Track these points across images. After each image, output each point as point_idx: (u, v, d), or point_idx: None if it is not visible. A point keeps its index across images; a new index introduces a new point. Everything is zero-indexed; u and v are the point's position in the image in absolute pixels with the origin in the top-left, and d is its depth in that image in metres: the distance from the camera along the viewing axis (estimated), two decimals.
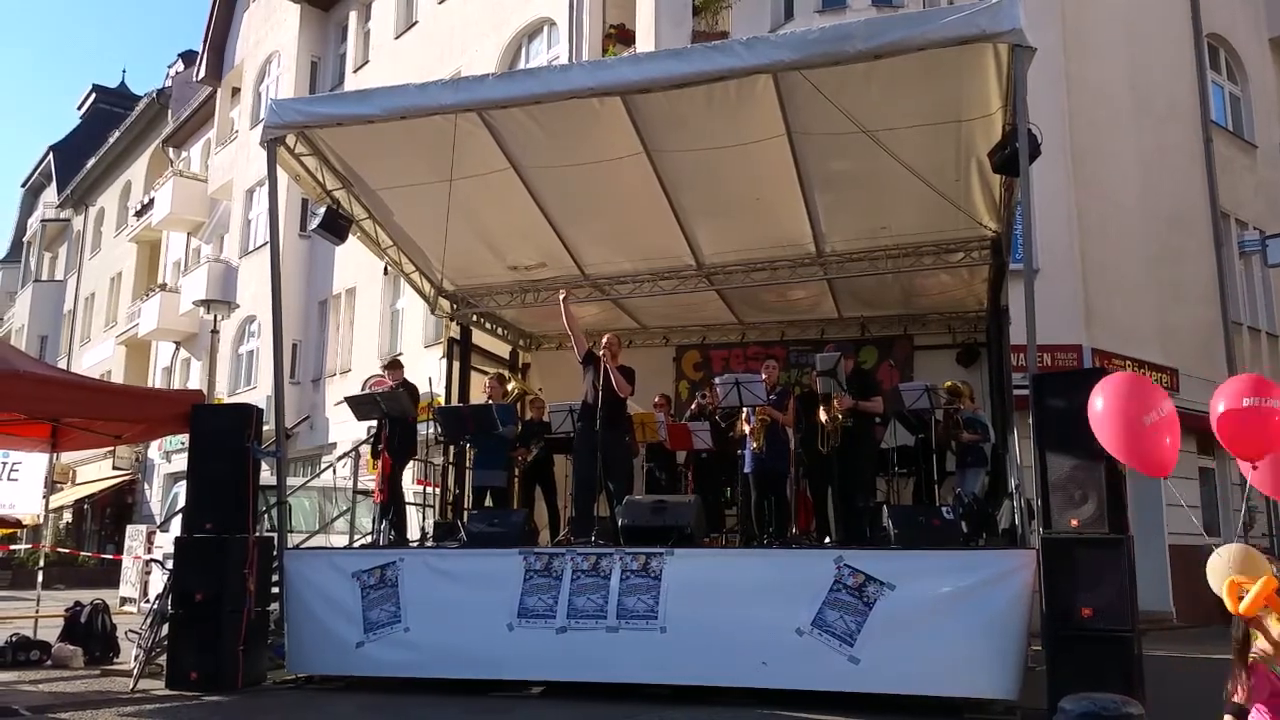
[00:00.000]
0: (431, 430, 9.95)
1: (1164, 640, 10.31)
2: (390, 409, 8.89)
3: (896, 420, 9.26)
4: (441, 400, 10.76)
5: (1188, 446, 14.61)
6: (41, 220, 40.77)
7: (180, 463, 22.32)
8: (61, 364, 31.03)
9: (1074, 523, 6.00)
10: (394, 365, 9.76)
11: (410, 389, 9.35)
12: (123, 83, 44.86)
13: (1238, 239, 16.92)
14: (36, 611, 9.81)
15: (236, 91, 26.26)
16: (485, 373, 11.20)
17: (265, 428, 8.16)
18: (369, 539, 9.26)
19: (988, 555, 6.98)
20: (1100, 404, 5.13)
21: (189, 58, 31.25)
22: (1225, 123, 17.34)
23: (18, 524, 12.50)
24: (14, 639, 8.76)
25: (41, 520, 12.65)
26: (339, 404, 10.95)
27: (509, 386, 10.86)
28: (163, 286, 27.97)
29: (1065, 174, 13.25)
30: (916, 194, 8.19)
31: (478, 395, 10.82)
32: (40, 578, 11.50)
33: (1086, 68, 14.08)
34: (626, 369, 8.62)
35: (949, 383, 9.47)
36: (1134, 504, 10.78)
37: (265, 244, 21.01)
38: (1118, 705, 3.60)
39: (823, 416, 8.51)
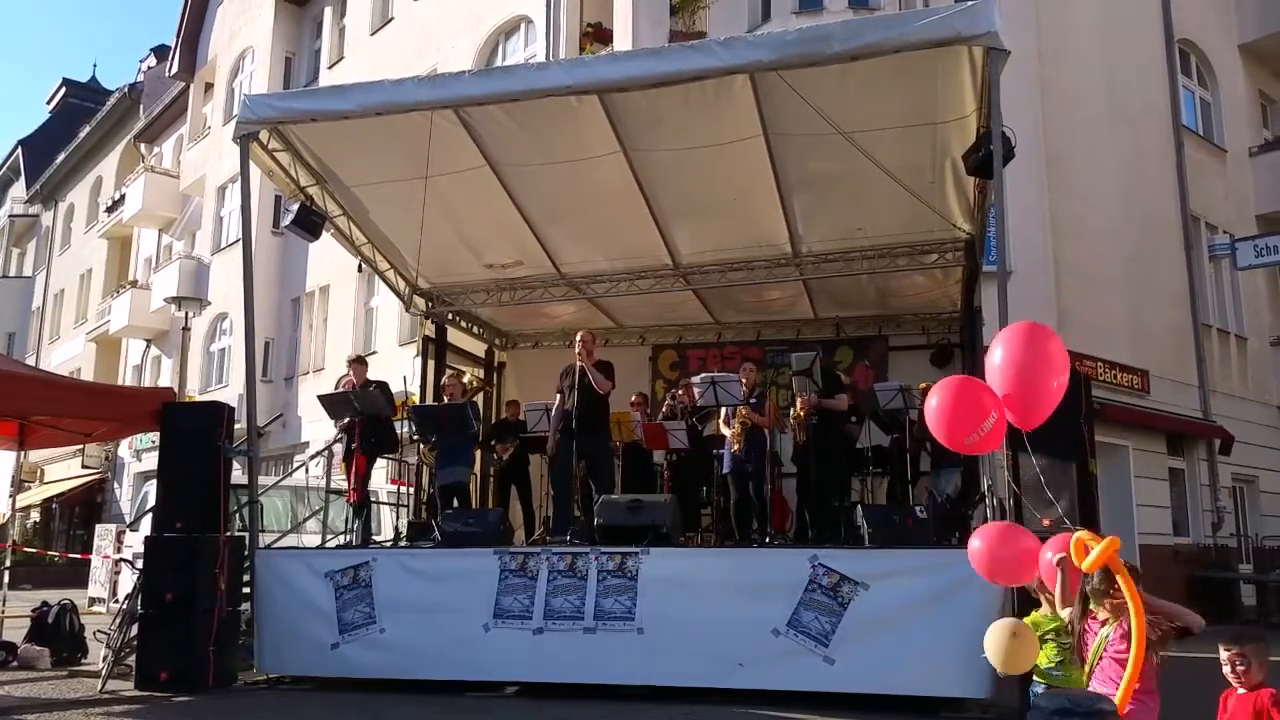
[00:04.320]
0: (405, 429, 9.87)
1: None
2: (365, 407, 8.81)
3: (871, 420, 9.30)
4: (416, 399, 10.69)
5: (1157, 447, 14.78)
6: (10, 215, 40.18)
7: (151, 461, 22.14)
8: (30, 361, 30.56)
9: (1046, 522, 6.02)
10: (358, 362, 9.43)
11: (382, 386, 9.23)
12: (93, 77, 44.35)
13: (1208, 242, 17.10)
14: (2, 612, 9.64)
15: (210, 87, 25.98)
16: (462, 371, 11.14)
17: (237, 426, 8.09)
18: (342, 539, 9.19)
19: (961, 554, 6.94)
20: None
21: (161, 52, 30.89)
22: (1196, 127, 17.53)
23: None
24: None
25: (8, 519, 12.45)
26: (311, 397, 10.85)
27: (464, 380, 10.75)
28: (134, 283, 27.68)
29: (1039, 177, 13.35)
30: (892, 195, 8.24)
31: None
32: (7, 578, 11.26)
33: (1061, 71, 14.20)
34: (604, 363, 8.57)
35: (923, 383, 9.51)
36: (1104, 504, 10.90)
37: (238, 241, 20.81)
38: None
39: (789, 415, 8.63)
